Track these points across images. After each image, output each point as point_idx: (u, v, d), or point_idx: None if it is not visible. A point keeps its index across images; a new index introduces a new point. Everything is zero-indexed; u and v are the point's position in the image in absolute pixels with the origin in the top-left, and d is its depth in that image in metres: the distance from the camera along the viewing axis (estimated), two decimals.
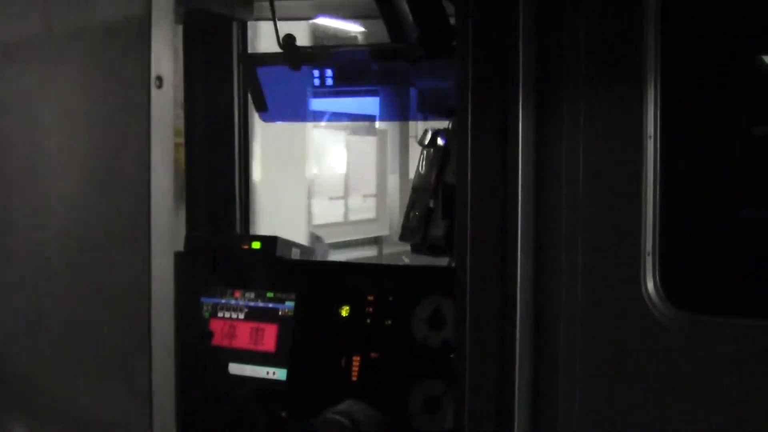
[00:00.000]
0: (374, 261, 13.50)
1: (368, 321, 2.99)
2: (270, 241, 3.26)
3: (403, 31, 2.90)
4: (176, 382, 1.49)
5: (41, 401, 1.59)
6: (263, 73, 3.32)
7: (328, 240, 10.71)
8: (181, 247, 3.35)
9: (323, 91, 3.33)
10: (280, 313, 3.10)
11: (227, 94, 3.61)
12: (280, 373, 3.05)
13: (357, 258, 12.86)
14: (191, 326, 3.04)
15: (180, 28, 3.55)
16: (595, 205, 2.04)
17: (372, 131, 15.35)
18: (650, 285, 2.02)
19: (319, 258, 4.08)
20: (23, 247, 1.59)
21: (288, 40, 3.21)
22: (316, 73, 3.21)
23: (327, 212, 13.93)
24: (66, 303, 1.55)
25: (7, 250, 1.61)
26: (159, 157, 1.43)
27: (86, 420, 1.54)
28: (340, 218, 14.81)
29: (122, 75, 1.45)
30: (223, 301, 3.19)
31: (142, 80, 1.41)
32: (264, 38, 3.83)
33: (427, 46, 2.81)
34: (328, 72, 3.20)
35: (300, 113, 3.85)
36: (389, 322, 2.95)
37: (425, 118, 3.44)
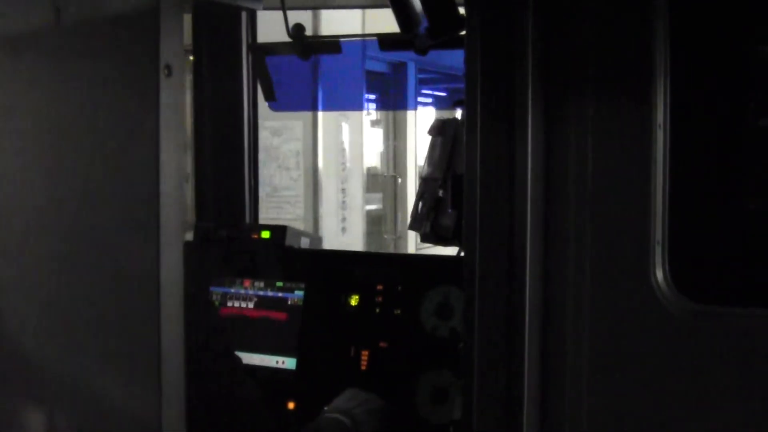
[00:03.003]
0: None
1: (377, 310, 2.99)
2: (279, 231, 3.26)
3: (412, 21, 2.89)
4: (185, 371, 1.50)
5: (52, 389, 1.60)
6: None
7: None
8: (190, 237, 3.36)
9: None
10: (289, 302, 3.11)
11: (236, 84, 3.61)
12: (289, 362, 3.06)
13: None
14: (201, 315, 3.05)
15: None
16: (604, 195, 2.04)
17: None
18: (659, 275, 2.02)
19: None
20: (33, 237, 1.60)
21: (297, 30, 3.21)
22: None
23: None
24: (76, 293, 1.56)
25: (17, 240, 1.62)
26: (168, 146, 1.43)
27: (96, 407, 1.55)
28: None
29: (131, 64, 1.45)
30: (233, 290, 3.20)
31: (151, 69, 1.41)
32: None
33: (436, 36, 2.80)
34: None
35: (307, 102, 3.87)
36: (398, 311, 2.96)
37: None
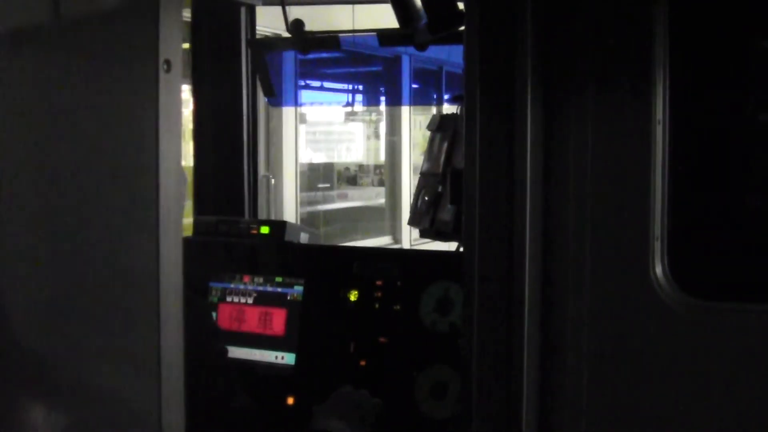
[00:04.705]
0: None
1: (377, 306, 2.99)
2: (278, 226, 3.26)
3: (411, 17, 2.89)
4: (184, 367, 1.50)
5: (52, 387, 1.60)
6: None
7: None
8: (189, 233, 3.36)
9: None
10: (288, 297, 3.11)
11: (235, 79, 3.61)
12: (288, 358, 3.07)
13: None
14: (200, 311, 3.05)
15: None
16: (603, 190, 2.04)
17: None
18: (659, 270, 2.02)
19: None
20: (32, 233, 1.60)
21: (296, 25, 3.21)
22: None
23: None
24: (75, 289, 1.56)
25: (17, 237, 1.61)
26: (167, 141, 1.43)
27: (96, 404, 1.55)
28: None
29: (130, 59, 1.45)
30: (232, 285, 3.20)
31: (150, 64, 1.41)
32: None
33: (435, 31, 2.80)
34: None
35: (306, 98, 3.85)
36: (397, 307, 2.96)
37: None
